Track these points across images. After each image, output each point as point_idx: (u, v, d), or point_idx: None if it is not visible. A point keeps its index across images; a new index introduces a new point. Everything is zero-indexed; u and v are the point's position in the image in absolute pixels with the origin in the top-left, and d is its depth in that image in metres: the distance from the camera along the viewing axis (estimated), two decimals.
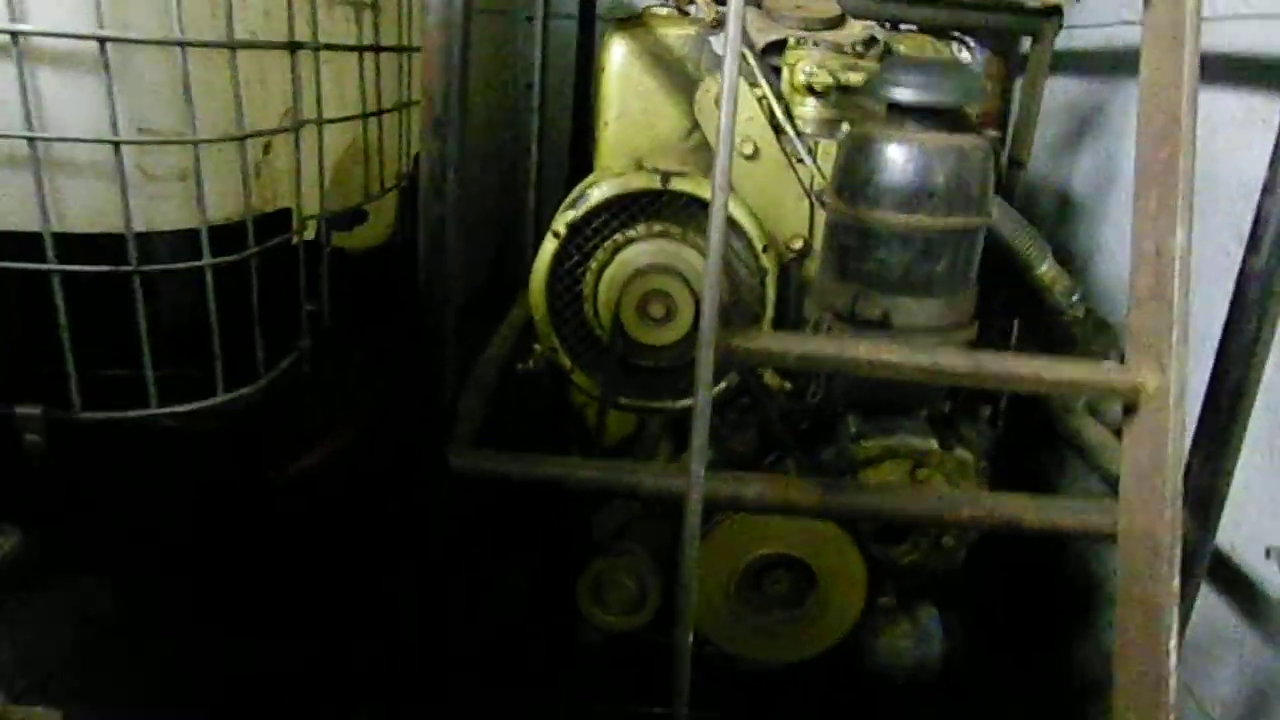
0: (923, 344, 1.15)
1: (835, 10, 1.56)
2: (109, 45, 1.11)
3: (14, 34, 1.08)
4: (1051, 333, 1.56)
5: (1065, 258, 2.03)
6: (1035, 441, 1.81)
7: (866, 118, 1.21)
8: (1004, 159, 1.90)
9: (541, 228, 2.09)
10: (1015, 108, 1.92)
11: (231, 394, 1.35)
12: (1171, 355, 0.91)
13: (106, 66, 1.12)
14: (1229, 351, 1.06)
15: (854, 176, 1.16)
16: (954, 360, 0.92)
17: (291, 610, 1.57)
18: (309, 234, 1.63)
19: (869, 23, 1.59)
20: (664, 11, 1.67)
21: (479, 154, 2.42)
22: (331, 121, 1.63)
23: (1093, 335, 1.56)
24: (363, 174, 1.92)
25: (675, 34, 1.58)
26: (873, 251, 1.15)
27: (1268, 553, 1.41)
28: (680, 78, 1.59)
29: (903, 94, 1.12)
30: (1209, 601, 1.57)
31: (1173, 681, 0.88)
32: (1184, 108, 0.92)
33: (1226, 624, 1.53)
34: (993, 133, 1.62)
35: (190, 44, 1.18)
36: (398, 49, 2.01)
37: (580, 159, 2.04)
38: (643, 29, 1.60)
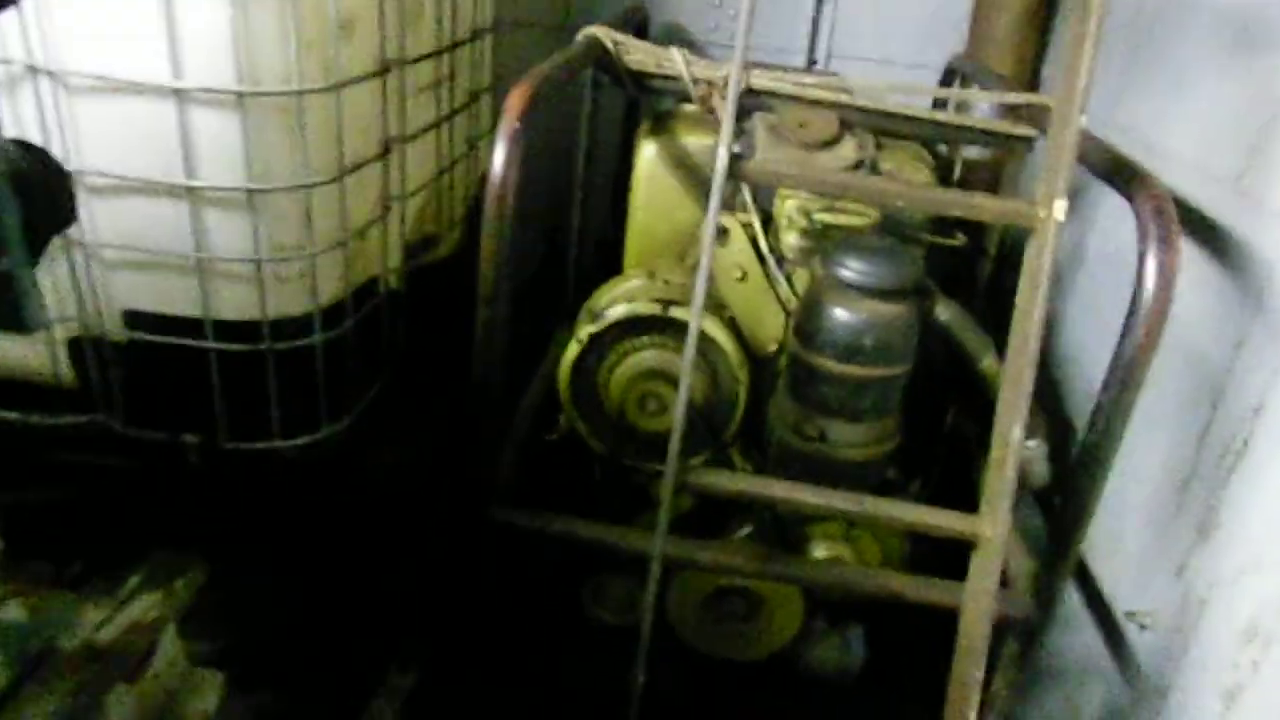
0: (829, 451, 1.51)
1: (834, 128, 1.84)
2: (256, 195, 1.50)
3: (189, 187, 1.47)
4: (988, 418, 1.89)
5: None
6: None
7: (830, 272, 1.53)
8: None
9: (587, 224, 2.45)
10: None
11: (331, 428, 1.79)
12: (1001, 516, 1.28)
13: (253, 208, 1.51)
14: (1068, 496, 1.40)
15: (807, 327, 1.50)
16: (846, 502, 1.30)
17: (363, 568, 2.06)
18: (393, 283, 2.03)
19: (863, 139, 1.87)
20: (691, 110, 1.96)
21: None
22: (415, 193, 2.01)
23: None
24: (436, 207, 2.29)
25: (694, 142, 1.89)
26: (816, 385, 1.50)
27: (1127, 615, 1.77)
28: (697, 177, 1.91)
29: (847, 275, 1.44)
30: (1093, 637, 1.95)
31: None
32: (1032, 333, 1.25)
33: (1101, 657, 1.90)
34: (959, 238, 1.91)
35: (312, 185, 1.55)
36: (469, 102, 2.34)
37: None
38: (668, 135, 1.91)
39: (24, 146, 1.03)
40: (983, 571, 1.29)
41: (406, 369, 2.18)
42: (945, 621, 1.65)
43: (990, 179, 2.19)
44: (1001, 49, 2.60)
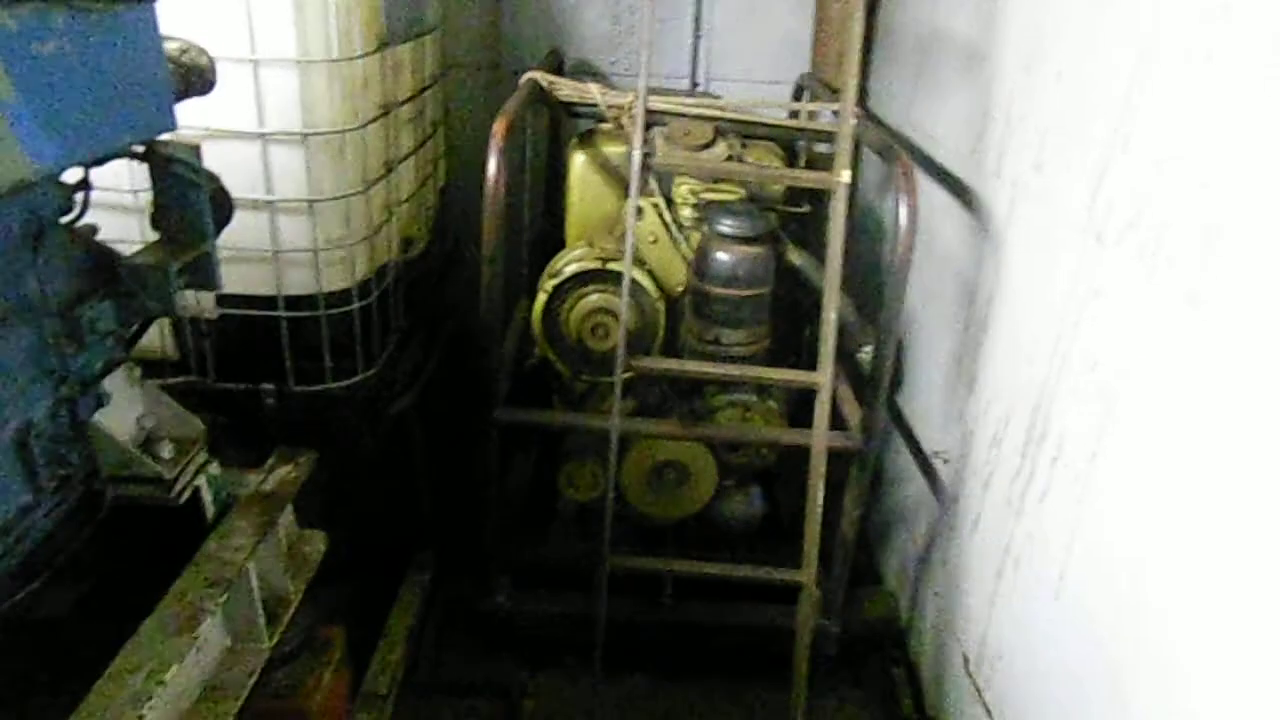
0: (723, 353, 2.26)
1: (710, 134, 2.60)
2: (315, 204, 2.15)
3: (268, 200, 2.12)
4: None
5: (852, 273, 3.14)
6: None
7: (713, 229, 2.28)
8: None
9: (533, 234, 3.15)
10: None
11: (367, 373, 2.44)
12: (829, 368, 2.03)
13: (311, 213, 2.17)
14: (873, 363, 2.18)
15: (700, 266, 2.24)
16: (730, 369, 2.04)
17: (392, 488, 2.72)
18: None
19: (731, 141, 2.62)
20: (607, 128, 2.69)
21: None
22: (405, 201, 2.68)
23: (860, 333, 2.66)
24: (415, 213, 2.96)
25: (612, 150, 2.62)
26: (709, 305, 2.24)
27: (934, 454, 2.57)
28: (616, 177, 2.64)
29: (722, 229, 2.19)
30: (919, 483, 2.74)
31: (818, 520, 2.03)
32: (836, 253, 2.01)
33: (923, 494, 2.70)
34: (806, 207, 2.68)
35: (349, 195, 2.22)
36: (432, 133, 3.02)
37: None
38: (592, 147, 2.63)
39: (211, 174, 1.67)
40: (821, 408, 2.05)
41: (402, 338, 2.84)
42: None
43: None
44: (835, 68, 3.41)
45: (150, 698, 1.32)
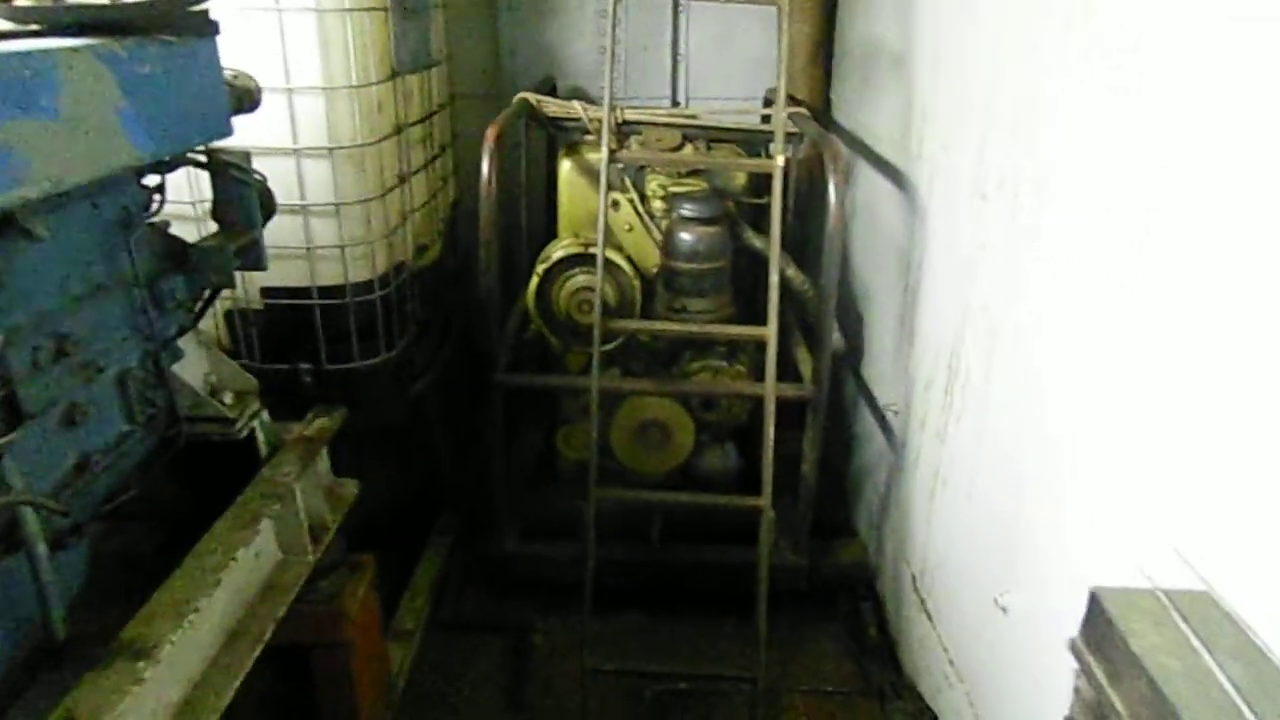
0: (691, 321, 2.64)
1: (678, 139, 3.00)
2: (340, 208, 2.57)
3: (302, 205, 2.54)
4: (793, 302, 3.04)
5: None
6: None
7: (677, 214, 2.68)
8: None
9: (533, 230, 3.57)
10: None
11: (389, 353, 2.84)
12: (774, 323, 2.40)
13: (338, 215, 2.58)
14: (820, 313, 2.54)
15: (668, 246, 2.63)
16: (689, 327, 2.41)
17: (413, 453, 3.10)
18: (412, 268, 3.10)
19: (699, 145, 3.02)
20: (591, 139, 3.10)
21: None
22: (418, 209, 3.10)
23: (816, 304, 3.02)
24: (427, 222, 3.38)
25: (594, 157, 3.02)
26: (677, 278, 2.62)
27: (885, 408, 2.92)
28: (598, 177, 3.03)
29: (684, 211, 2.58)
30: (879, 439, 3.08)
31: (770, 453, 2.39)
32: (776, 226, 2.39)
33: (883, 448, 3.04)
34: (765, 199, 3.06)
35: (369, 200, 2.63)
36: (441, 152, 3.45)
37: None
38: (578, 154, 3.04)
39: (259, 175, 2.09)
40: (769, 360, 2.41)
41: (420, 329, 3.25)
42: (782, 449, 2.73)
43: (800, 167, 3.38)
44: (798, 80, 3.82)
45: (224, 568, 1.70)
